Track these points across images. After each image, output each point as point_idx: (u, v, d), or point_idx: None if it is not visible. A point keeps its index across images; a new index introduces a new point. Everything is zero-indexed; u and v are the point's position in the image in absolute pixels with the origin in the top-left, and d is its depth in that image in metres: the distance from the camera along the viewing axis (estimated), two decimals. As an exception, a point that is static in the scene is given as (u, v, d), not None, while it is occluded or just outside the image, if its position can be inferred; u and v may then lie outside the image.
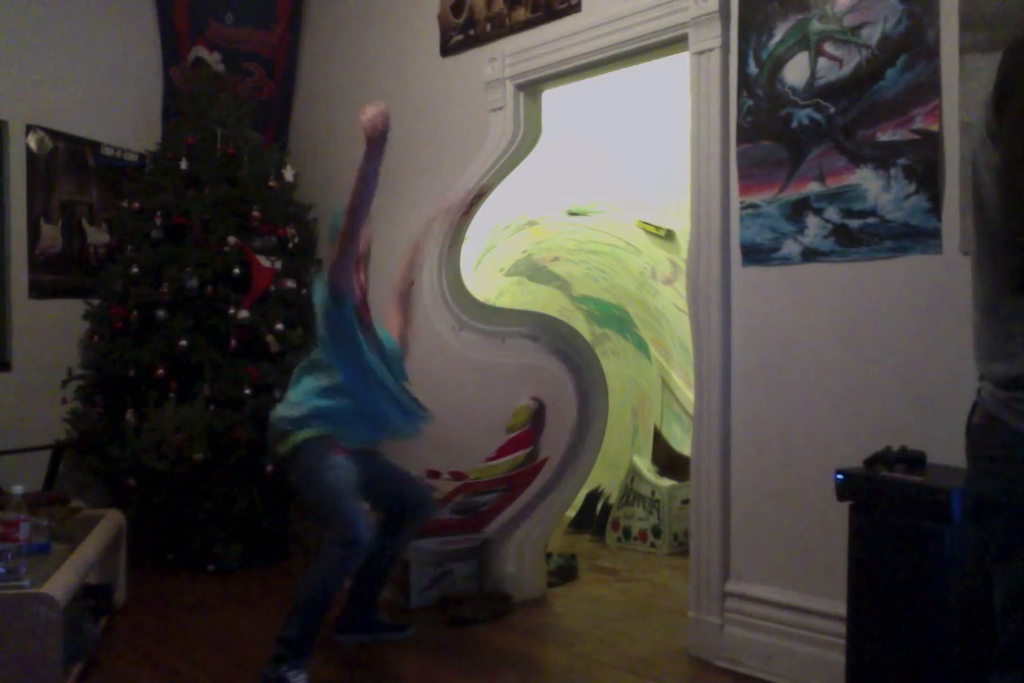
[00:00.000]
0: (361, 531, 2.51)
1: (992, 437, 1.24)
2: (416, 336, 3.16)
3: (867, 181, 2.43)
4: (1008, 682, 1.20)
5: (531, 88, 3.48)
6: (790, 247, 2.61)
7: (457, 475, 3.45)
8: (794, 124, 2.59)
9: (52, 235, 4.19)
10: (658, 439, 4.65)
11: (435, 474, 3.45)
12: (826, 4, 2.52)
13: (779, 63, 2.63)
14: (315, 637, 2.53)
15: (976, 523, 1.27)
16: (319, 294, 2.64)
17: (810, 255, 2.57)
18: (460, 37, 3.70)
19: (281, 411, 2.69)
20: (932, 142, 2.31)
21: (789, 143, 2.60)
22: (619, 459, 4.62)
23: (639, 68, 3.25)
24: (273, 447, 2.72)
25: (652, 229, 4.46)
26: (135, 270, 3.87)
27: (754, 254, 2.70)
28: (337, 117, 4.46)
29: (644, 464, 4.47)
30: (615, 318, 4.87)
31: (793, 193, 2.59)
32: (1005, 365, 1.21)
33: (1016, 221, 1.14)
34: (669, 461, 4.50)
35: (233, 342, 3.78)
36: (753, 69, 2.69)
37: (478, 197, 3.57)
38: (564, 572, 3.70)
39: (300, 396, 2.67)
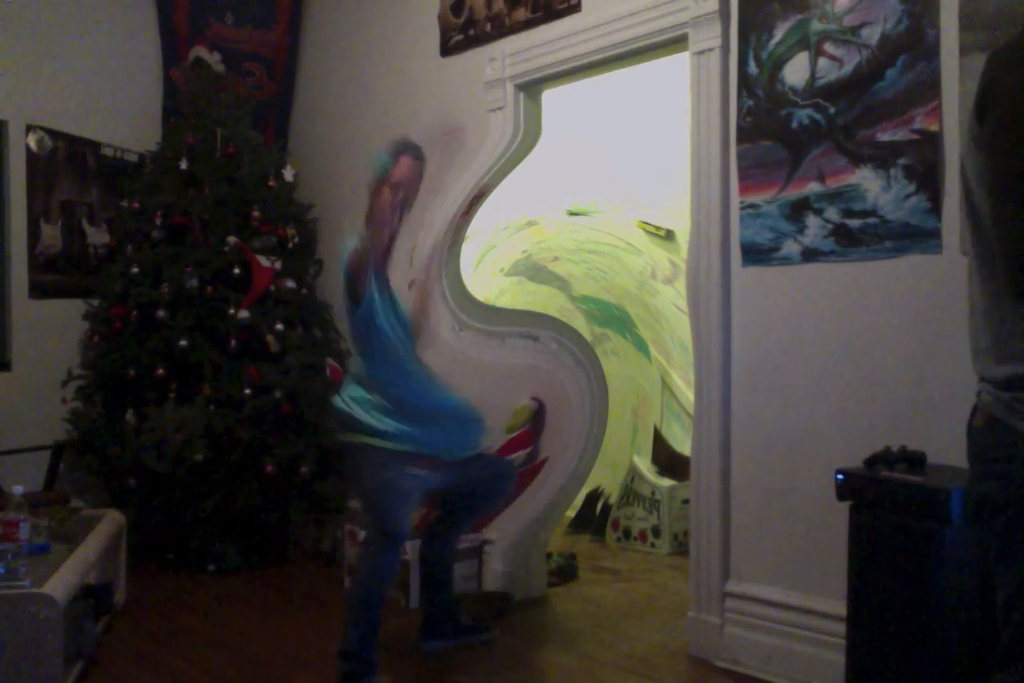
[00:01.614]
0: (402, 524, 2.48)
1: (994, 438, 1.24)
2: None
3: (867, 181, 2.43)
4: (1011, 681, 1.21)
5: (531, 88, 3.48)
6: (790, 247, 2.61)
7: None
8: (794, 124, 2.59)
9: (52, 235, 4.19)
10: (658, 439, 4.65)
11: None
12: (826, 4, 2.52)
13: (779, 63, 2.62)
14: (375, 642, 2.45)
15: (978, 523, 1.28)
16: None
17: (810, 255, 2.57)
18: (460, 37, 3.70)
19: (360, 413, 2.56)
20: (932, 142, 2.31)
21: (789, 143, 2.60)
22: (619, 459, 4.62)
23: (639, 68, 3.25)
24: (338, 429, 2.64)
25: (652, 229, 4.46)
26: (135, 270, 3.87)
27: (754, 254, 2.70)
28: (337, 117, 4.46)
29: (644, 464, 4.47)
30: (615, 318, 4.87)
31: (793, 193, 2.59)
32: (1005, 367, 1.22)
33: (1005, 232, 1.16)
34: (669, 461, 4.50)
35: (233, 342, 3.77)
36: (753, 69, 2.69)
37: (478, 197, 3.57)
38: (564, 572, 3.70)
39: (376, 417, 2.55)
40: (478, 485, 2.77)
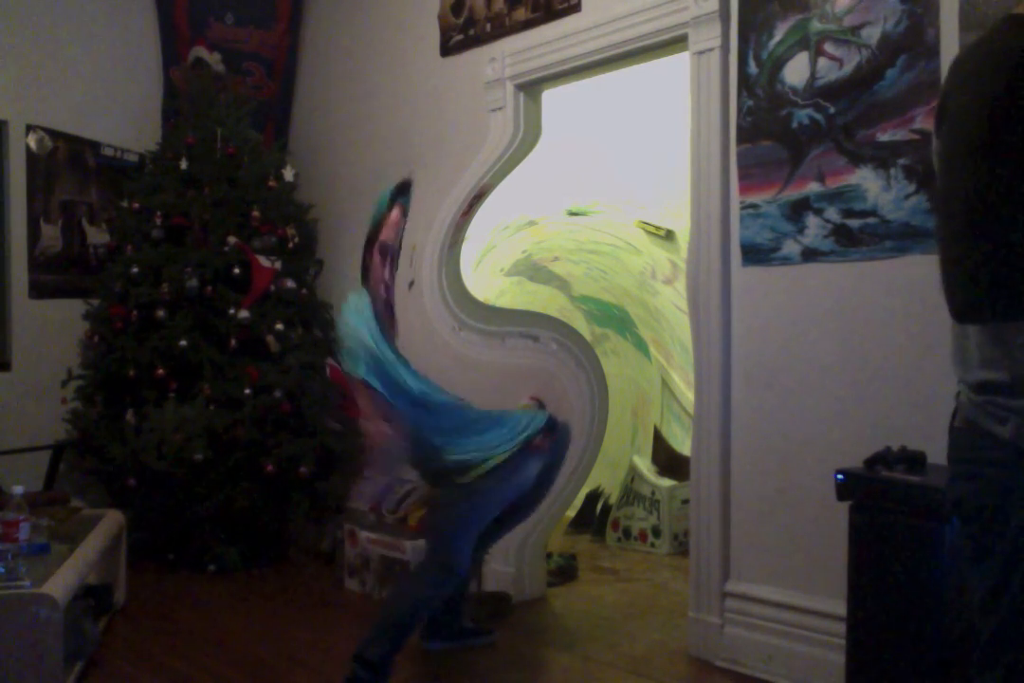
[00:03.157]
0: (466, 560, 2.48)
1: (970, 440, 1.25)
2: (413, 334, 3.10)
3: (867, 181, 2.43)
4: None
5: (531, 88, 3.48)
6: (790, 247, 2.61)
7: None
8: (794, 124, 2.59)
9: (52, 235, 4.19)
10: (658, 439, 4.65)
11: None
12: (826, 4, 2.52)
13: (779, 63, 2.62)
14: (395, 658, 2.46)
15: (955, 525, 1.28)
16: (352, 315, 2.49)
17: (810, 255, 2.57)
18: (460, 37, 3.70)
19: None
20: (932, 142, 2.30)
21: (789, 143, 2.60)
22: (619, 459, 4.62)
23: (639, 68, 3.25)
24: (451, 476, 2.58)
25: (652, 229, 4.46)
26: (135, 270, 3.87)
27: (754, 254, 2.70)
28: (337, 117, 4.46)
29: (644, 464, 4.47)
30: (615, 318, 4.87)
31: (793, 193, 2.59)
32: (979, 371, 1.23)
33: (942, 253, 1.17)
34: (669, 461, 4.50)
35: (233, 342, 3.78)
36: (753, 69, 2.69)
37: (478, 197, 3.57)
38: (564, 572, 3.70)
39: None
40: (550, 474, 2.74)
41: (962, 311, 1.15)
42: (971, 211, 1.12)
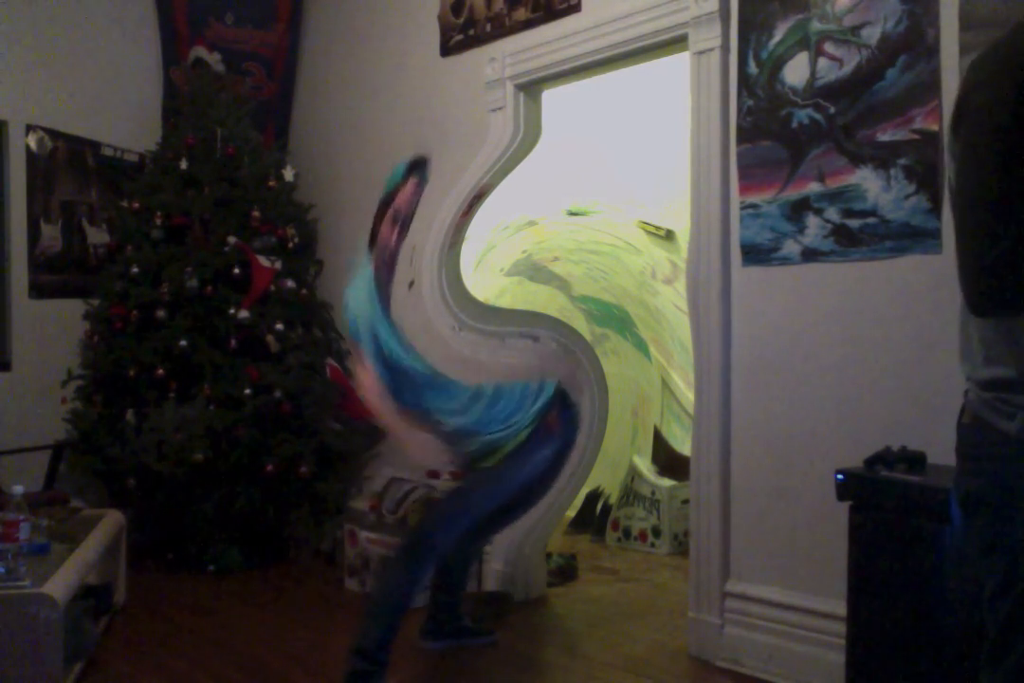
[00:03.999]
0: (447, 539, 2.48)
1: (979, 436, 1.27)
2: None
3: (867, 181, 2.43)
4: (997, 677, 1.22)
5: (531, 88, 3.48)
6: (790, 247, 2.61)
7: (458, 475, 3.44)
8: (794, 124, 2.59)
9: (52, 235, 4.19)
10: (658, 439, 4.65)
11: (435, 474, 3.45)
12: (826, 4, 2.52)
13: (779, 63, 2.63)
14: (392, 646, 2.43)
15: (964, 520, 1.31)
16: (357, 301, 2.49)
17: (810, 255, 2.57)
18: (460, 37, 3.70)
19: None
20: (932, 142, 2.31)
21: (789, 143, 2.60)
22: (619, 459, 4.62)
23: (639, 68, 3.25)
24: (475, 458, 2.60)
25: (652, 229, 4.46)
26: (135, 270, 3.88)
27: (754, 254, 2.70)
28: (337, 117, 4.46)
29: (644, 464, 4.47)
30: (615, 318, 4.87)
31: (793, 193, 2.59)
32: (987, 369, 1.24)
33: (962, 248, 1.18)
34: (669, 461, 4.50)
35: (233, 342, 3.77)
36: (753, 69, 2.69)
37: (478, 197, 3.57)
38: (564, 572, 3.70)
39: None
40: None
41: (981, 305, 1.17)
42: (991, 208, 1.15)
